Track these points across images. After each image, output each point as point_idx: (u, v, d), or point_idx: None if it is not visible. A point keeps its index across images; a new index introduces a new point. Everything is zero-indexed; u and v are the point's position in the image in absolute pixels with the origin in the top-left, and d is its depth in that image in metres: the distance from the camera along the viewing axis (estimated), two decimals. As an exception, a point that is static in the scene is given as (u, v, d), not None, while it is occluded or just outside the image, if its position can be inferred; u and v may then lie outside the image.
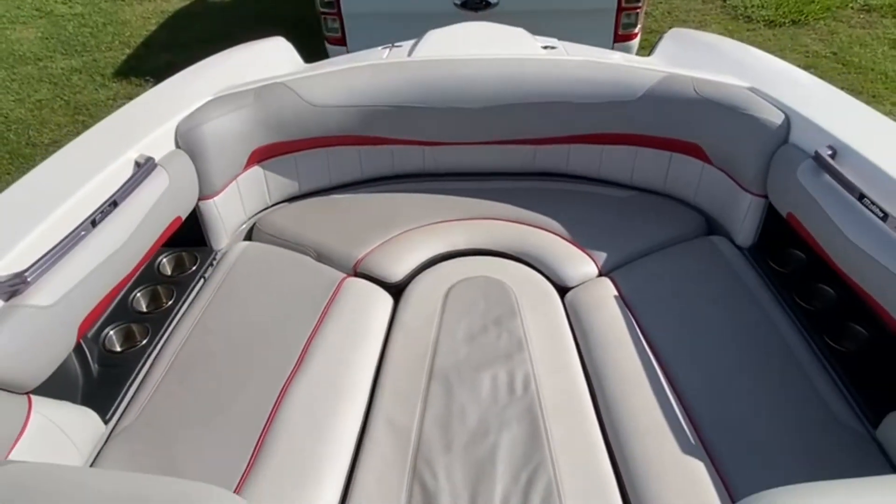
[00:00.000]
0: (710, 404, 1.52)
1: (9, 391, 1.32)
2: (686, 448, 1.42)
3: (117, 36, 5.83)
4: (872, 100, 4.58)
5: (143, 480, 0.96)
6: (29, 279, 1.36)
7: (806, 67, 4.98)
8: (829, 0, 5.80)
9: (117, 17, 6.20)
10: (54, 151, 4.40)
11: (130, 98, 4.85)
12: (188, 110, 1.95)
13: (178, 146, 1.90)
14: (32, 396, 1.37)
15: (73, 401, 1.55)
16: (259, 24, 5.80)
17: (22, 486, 0.95)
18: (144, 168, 1.71)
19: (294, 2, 6.15)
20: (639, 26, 3.80)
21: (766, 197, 1.93)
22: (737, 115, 1.93)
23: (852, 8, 5.75)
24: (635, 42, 3.86)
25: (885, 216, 1.47)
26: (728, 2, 5.97)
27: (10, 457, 1.25)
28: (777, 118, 1.87)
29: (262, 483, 1.37)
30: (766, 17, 5.62)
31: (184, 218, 1.89)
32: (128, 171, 1.71)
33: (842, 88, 4.94)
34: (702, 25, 5.65)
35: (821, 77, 5.04)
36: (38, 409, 1.35)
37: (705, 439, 1.44)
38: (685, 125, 2.05)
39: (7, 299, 1.35)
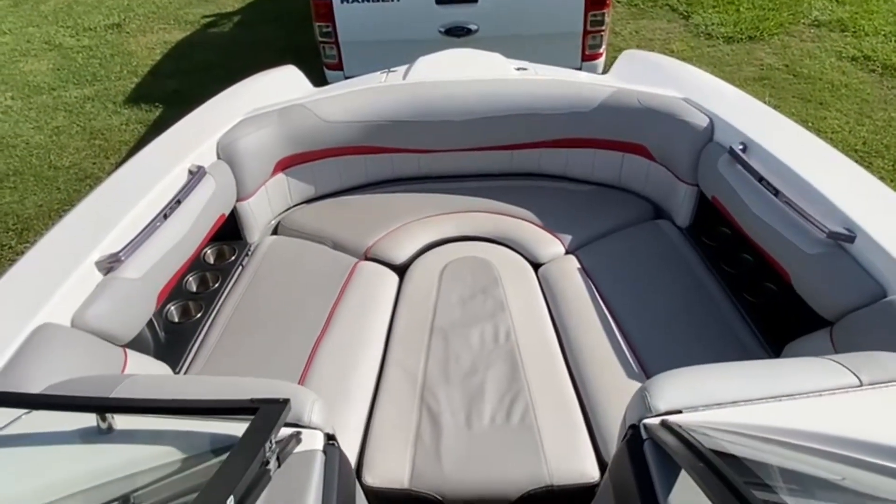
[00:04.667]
0: (649, 341, 1.95)
1: (111, 343, 1.72)
2: (629, 373, 1.85)
3: (125, 66, 6.22)
4: (820, 106, 5.06)
5: (234, 380, 1.38)
6: (122, 258, 1.78)
7: (760, 79, 5.46)
8: (782, 17, 6.30)
9: (123, 48, 6.61)
10: (75, 173, 4.81)
11: (142, 123, 5.31)
12: (225, 128, 2.38)
13: (219, 157, 2.33)
14: (126, 349, 1.78)
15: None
16: (256, 52, 6.22)
17: (142, 388, 1.35)
18: (197, 175, 2.13)
19: (287, 32, 6.58)
20: (603, 47, 4.26)
21: (697, 185, 2.37)
22: (673, 120, 2.38)
23: (804, 24, 6.24)
24: (601, 61, 4.32)
25: (776, 192, 1.91)
26: (690, 20, 6.45)
27: None
28: (703, 122, 2.32)
29: None
30: (725, 34, 6.10)
31: (226, 215, 2.31)
32: (184, 177, 2.13)
33: (792, 97, 5.43)
34: (666, 43, 6.13)
35: (773, 87, 5.53)
36: (132, 359, 1.76)
37: (644, 365, 1.87)
38: (632, 130, 2.50)
39: (106, 273, 1.77)
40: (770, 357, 1.89)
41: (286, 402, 1.17)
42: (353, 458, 1.69)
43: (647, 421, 1.21)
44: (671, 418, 1.20)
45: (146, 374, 1.70)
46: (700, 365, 1.34)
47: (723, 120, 2.27)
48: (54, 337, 1.55)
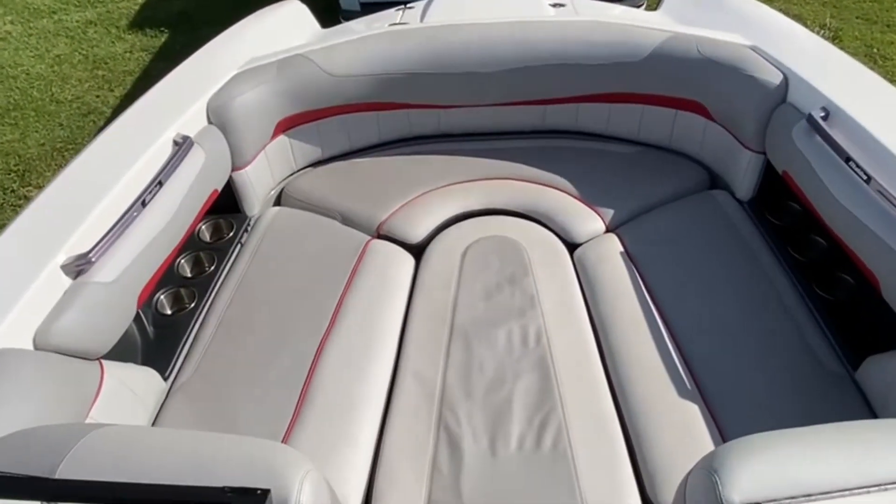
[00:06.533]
0: (705, 351, 1.68)
1: (84, 358, 1.51)
2: (682, 391, 1.59)
3: (128, -15, 5.83)
4: (887, 29, 4.55)
5: (212, 439, 1.15)
6: (93, 259, 1.53)
7: (821, -4, 4.91)
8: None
9: (126, -36, 6.18)
10: (77, 108, 4.54)
11: (147, 50, 4.98)
12: (216, 86, 2.07)
13: (209, 122, 2.03)
14: (103, 361, 1.56)
15: (136, 361, 1.75)
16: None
17: (103, 447, 1.13)
18: (183, 147, 1.84)
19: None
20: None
21: (765, 153, 2.04)
22: (738, 75, 2.01)
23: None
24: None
25: (868, 179, 1.58)
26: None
27: (90, 415, 1.45)
28: (776, 78, 1.95)
29: (308, 429, 1.57)
30: (783, -57, 5.49)
31: (220, 190, 2.04)
32: (167, 150, 1.85)
33: (856, 18, 4.87)
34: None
35: (835, 6, 4.95)
36: (110, 373, 1.54)
37: (699, 382, 1.61)
38: (689, 84, 2.14)
39: (75, 278, 1.53)
40: (847, 371, 1.62)
41: (265, 494, 0.94)
42: (361, 490, 1.49)
43: None
44: None
45: (110, 418, 1.48)
46: (780, 431, 1.08)
47: (799, 77, 1.91)
48: (13, 366, 1.33)
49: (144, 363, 1.74)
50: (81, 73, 4.77)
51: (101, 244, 1.56)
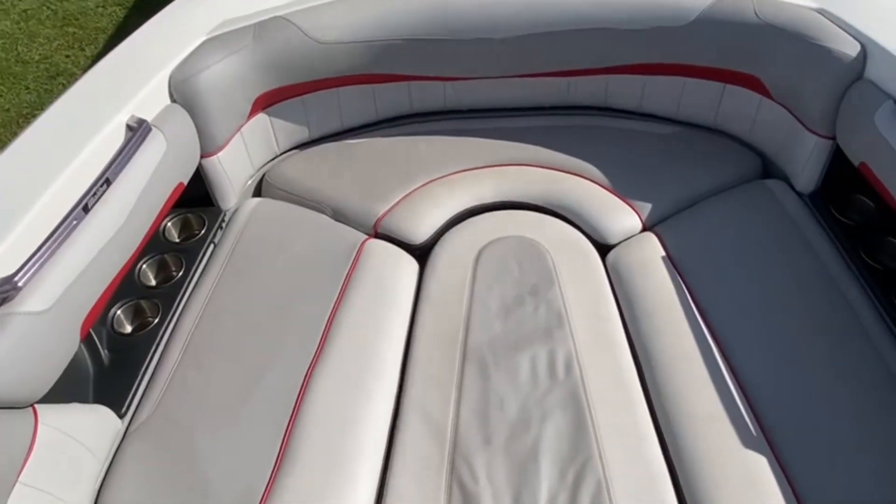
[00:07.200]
0: (770, 386, 1.40)
1: (11, 408, 1.21)
2: (745, 439, 1.32)
3: (101, -70, 5.39)
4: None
5: None
6: (20, 284, 1.22)
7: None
8: None
9: None
10: (45, 69, 4.17)
11: (121, 5, 4.58)
12: (180, 56, 1.73)
13: (172, 100, 1.71)
14: (38, 407, 1.27)
15: (85, 395, 1.46)
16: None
17: None
18: (138, 134, 1.52)
19: None
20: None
21: (833, 139, 1.73)
22: (804, 44, 1.69)
23: None
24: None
25: None
26: None
27: (21, 479, 1.17)
28: (851, 49, 1.63)
29: (292, 484, 1.30)
30: None
31: (186, 183, 1.72)
32: (119, 138, 1.53)
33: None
34: None
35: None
36: (46, 421, 1.25)
37: (763, 423, 1.34)
38: (743, 54, 1.82)
39: None
40: None
41: None
42: None
43: None
44: None
45: (46, 480, 1.19)
46: None
47: (881, 47, 1.59)
48: None
49: (97, 397, 1.46)
50: (50, 30, 4.42)
51: (29, 264, 1.25)
